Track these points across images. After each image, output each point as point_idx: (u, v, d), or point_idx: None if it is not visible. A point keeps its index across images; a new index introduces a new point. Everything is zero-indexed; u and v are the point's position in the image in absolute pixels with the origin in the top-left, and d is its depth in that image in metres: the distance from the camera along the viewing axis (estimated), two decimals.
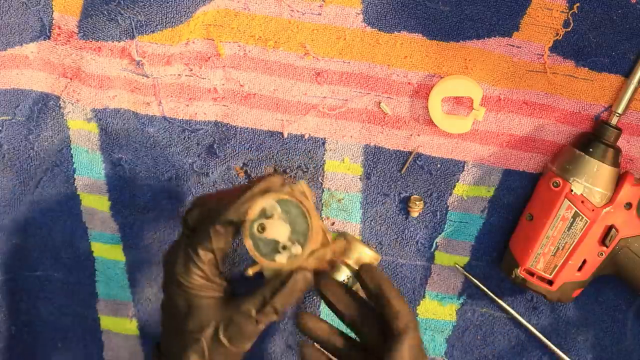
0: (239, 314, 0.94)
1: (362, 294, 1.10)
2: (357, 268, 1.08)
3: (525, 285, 1.06)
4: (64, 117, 1.08)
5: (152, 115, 1.08)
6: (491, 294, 1.12)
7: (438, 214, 1.11)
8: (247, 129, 1.08)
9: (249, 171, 1.10)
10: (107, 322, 1.19)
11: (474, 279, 1.12)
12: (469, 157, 1.08)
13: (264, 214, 0.93)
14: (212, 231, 0.93)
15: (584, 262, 1.05)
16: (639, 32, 1.02)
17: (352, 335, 0.98)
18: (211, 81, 1.06)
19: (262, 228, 0.93)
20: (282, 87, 1.07)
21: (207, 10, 1.03)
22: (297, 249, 0.94)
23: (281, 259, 0.94)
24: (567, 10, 1.01)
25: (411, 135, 1.08)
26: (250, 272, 0.95)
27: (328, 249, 0.96)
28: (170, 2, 1.01)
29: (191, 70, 1.06)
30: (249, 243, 0.94)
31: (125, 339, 1.18)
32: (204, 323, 0.95)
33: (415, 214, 1.10)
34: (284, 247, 0.94)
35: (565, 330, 1.14)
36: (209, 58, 1.05)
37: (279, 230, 0.93)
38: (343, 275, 1.07)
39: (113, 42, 1.03)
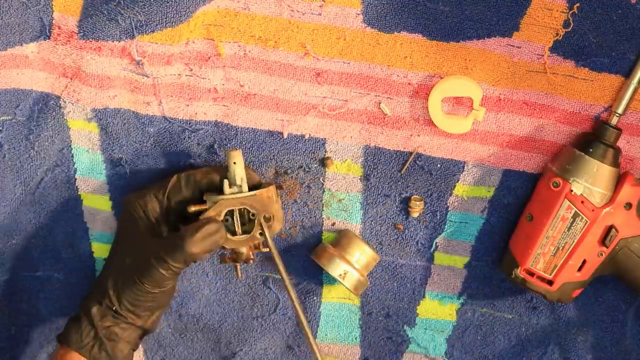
0: (154, 260, 1.00)
1: (351, 289, 1.11)
2: (356, 266, 1.09)
3: (525, 285, 1.06)
4: (65, 117, 1.08)
5: (152, 115, 1.08)
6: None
7: (438, 214, 1.11)
8: (247, 129, 1.08)
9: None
10: None
11: None
12: (469, 157, 1.08)
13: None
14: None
15: (584, 262, 1.05)
16: (639, 32, 1.02)
17: None
18: (211, 81, 1.06)
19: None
20: (282, 87, 1.07)
21: (207, 10, 1.03)
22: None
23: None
24: (567, 11, 1.01)
25: (411, 135, 1.08)
26: (192, 209, 1.01)
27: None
28: (170, 2, 1.01)
29: (191, 70, 1.06)
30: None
31: None
32: None
33: (415, 214, 1.10)
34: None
35: (565, 330, 1.14)
36: (209, 58, 1.05)
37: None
38: (339, 269, 1.08)
39: (113, 42, 1.03)
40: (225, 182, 1.02)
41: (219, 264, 1.13)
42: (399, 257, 1.13)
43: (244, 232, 1.03)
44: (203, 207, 1.02)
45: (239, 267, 1.06)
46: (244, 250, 1.04)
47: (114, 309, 1.02)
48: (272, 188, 1.04)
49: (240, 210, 1.03)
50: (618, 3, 1.01)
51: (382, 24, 1.04)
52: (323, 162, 1.10)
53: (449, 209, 1.10)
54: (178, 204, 1.04)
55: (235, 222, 1.03)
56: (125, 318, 1.02)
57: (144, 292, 1.01)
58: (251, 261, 1.05)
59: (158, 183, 1.05)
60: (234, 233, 1.03)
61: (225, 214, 1.02)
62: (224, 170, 1.04)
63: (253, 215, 1.03)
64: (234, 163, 1.02)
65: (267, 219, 1.02)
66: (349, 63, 1.05)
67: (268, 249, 1.05)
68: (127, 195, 1.06)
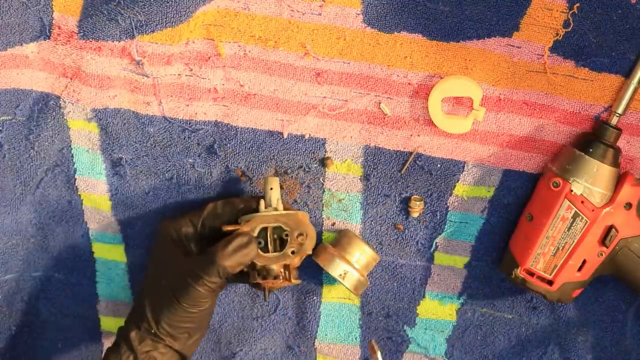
0: (190, 277, 1.00)
1: (351, 289, 1.11)
2: (356, 266, 1.09)
3: (525, 285, 1.06)
4: (64, 117, 1.08)
5: (152, 115, 1.08)
6: None
7: (438, 214, 1.11)
8: (247, 129, 1.08)
9: (247, 174, 1.10)
10: (107, 323, 1.19)
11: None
12: (469, 157, 1.08)
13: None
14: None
15: (584, 262, 1.05)
16: (639, 32, 1.02)
17: None
18: (211, 81, 1.06)
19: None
20: (282, 87, 1.07)
21: (207, 10, 1.03)
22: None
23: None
24: (567, 11, 1.01)
25: (411, 135, 1.08)
26: (227, 228, 1.03)
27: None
28: (170, 2, 1.01)
29: (191, 70, 1.06)
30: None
31: None
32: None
33: (415, 214, 1.10)
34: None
35: (565, 330, 1.14)
36: (209, 58, 1.06)
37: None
38: (339, 269, 1.08)
39: (113, 42, 1.03)
40: (261, 201, 1.04)
41: (249, 286, 1.14)
42: (399, 257, 1.13)
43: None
44: (237, 226, 1.03)
45: (267, 289, 1.06)
46: (274, 267, 1.03)
47: (152, 331, 1.02)
48: (307, 214, 1.05)
49: (273, 235, 1.03)
50: (618, 3, 1.01)
51: (382, 24, 1.04)
52: (323, 162, 1.10)
53: (449, 209, 1.10)
54: (212, 230, 1.05)
55: (268, 238, 1.03)
56: (163, 341, 1.02)
57: (182, 312, 1.01)
58: (281, 280, 1.04)
59: (195, 210, 1.07)
60: (266, 252, 1.03)
61: (260, 235, 1.03)
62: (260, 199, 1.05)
63: (286, 235, 1.03)
64: (271, 189, 1.04)
65: (300, 236, 1.03)
66: (349, 63, 1.05)
67: (296, 281, 1.05)
68: (161, 221, 1.09)
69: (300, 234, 1.03)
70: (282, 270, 1.04)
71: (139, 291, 1.08)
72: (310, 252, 1.05)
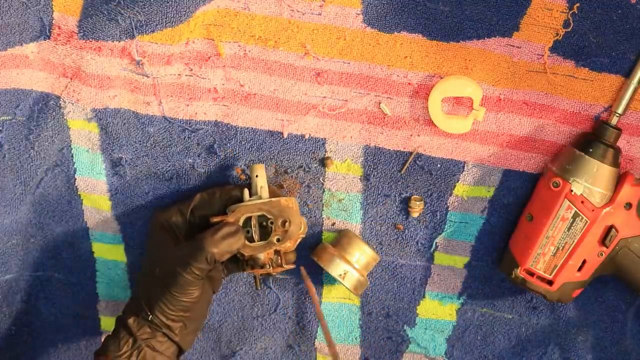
0: (178, 266, 1.01)
1: (351, 289, 1.11)
2: (356, 266, 1.09)
3: (525, 285, 1.06)
4: (64, 117, 1.08)
5: (152, 115, 1.08)
6: None
7: (438, 214, 1.11)
8: (247, 129, 1.08)
9: (247, 173, 1.10)
10: (108, 322, 1.19)
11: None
12: (469, 157, 1.08)
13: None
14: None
15: (584, 262, 1.05)
16: (639, 32, 1.02)
17: None
18: (211, 81, 1.06)
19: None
20: (282, 87, 1.07)
21: (207, 10, 1.03)
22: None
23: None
24: (567, 11, 1.01)
25: (411, 135, 1.08)
26: (215, 219, 1.04)
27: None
28: (170, 2, 1.01)
29: (191, 70, 1.06)
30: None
31: None
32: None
33: (415, 214, 1.10)
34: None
35: (565, 330, 1.14)
36: (209, 58, 1.05)
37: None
38: (339, 269, 1.08)
39: (113, 42, 1.03)
40: (245, 191, 1.05)
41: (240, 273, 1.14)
42: (399, 257, 1.13)
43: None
44: (224, 217, 1.04)
45: (258, 277, 1.08)
46: (261, 256, 1.04)
47: (149, 319, 1.02)
48: (293, 199, 1.05)
49: (260, 222, 1.04)
50: (618, 3, 1.01)
51: (382, 24, 1.04)
52: (323, 162, 1.10)
53: (449, 209, 1.10)
54: (202, 218, 1.06)
55: (253, 229, 1.04)
56: (160, 328, 1.02)
57: (174, 300, 1.02)
58: (271, 270, 1.05)
59: (184, 200, 1.08)
60: (252, 242, 1.04)
61: (246, 224, 1.04)
62: (247, 188, 1.06)
63: (271, 223, 1.03)
64: (256, 176, 1.05)
65: (284, 223, 1.03)
66: (349, 63, 1.05)
67: (289, 266, 1.06)
68: (155, 210, 1.09)
69: (285, 221, 1.03)
70: (272, 257, 1.05)
71: (136, 281, 1.09)
72: (300, 236, 1.06)
